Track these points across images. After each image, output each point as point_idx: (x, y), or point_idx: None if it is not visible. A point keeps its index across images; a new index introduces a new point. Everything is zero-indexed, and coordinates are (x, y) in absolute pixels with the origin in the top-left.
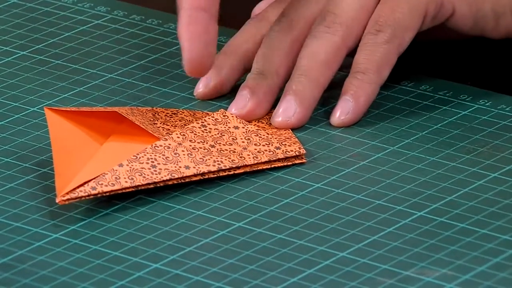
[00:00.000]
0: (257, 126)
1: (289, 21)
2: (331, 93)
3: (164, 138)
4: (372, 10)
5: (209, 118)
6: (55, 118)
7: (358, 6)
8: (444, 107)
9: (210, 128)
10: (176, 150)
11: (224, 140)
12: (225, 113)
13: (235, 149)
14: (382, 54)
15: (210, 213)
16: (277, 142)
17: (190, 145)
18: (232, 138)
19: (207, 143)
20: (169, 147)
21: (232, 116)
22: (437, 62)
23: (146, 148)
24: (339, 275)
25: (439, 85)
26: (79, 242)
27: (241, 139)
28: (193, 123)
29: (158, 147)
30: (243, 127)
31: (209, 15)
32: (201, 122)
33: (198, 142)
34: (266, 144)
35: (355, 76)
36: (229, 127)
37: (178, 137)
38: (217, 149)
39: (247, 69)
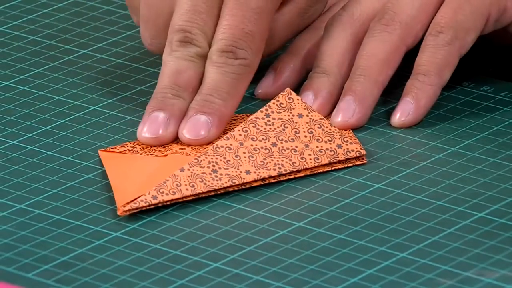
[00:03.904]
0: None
1: (350, 16)
2: (392, 93)
3: (226, 137)
4: (433, 11)
5: (273, 104)
6: (110, 156)
7: (418, 5)
8: (505, 108)
9: (274, 119)
10: (237, 152)
11: (287, 134)
12: (291, 94)
13: (296, 146)
14: (443, 56)
15: (270, 212)
16: (339, 139)
17: (252, 145)
18: (295, 132)
19: (268, 140)
20: (230, 148)
21: (298, 99)
22: (498, 63)
23: (208, 150)
24: (399, 276)
25: (500, 86)
26: (139, 240)
27: (304, 132)
28: (257, 112)
29: (219, 148)
30: (308, 115)
31: None
32: (265, 110)
33: (260, 140)
34: (328, 140)
35: (416, 78)
36: (293, 115)
37: (240, 135)
38: (279, 148)
39: (308, 70)
